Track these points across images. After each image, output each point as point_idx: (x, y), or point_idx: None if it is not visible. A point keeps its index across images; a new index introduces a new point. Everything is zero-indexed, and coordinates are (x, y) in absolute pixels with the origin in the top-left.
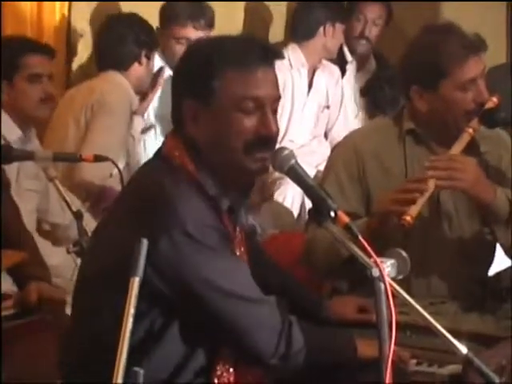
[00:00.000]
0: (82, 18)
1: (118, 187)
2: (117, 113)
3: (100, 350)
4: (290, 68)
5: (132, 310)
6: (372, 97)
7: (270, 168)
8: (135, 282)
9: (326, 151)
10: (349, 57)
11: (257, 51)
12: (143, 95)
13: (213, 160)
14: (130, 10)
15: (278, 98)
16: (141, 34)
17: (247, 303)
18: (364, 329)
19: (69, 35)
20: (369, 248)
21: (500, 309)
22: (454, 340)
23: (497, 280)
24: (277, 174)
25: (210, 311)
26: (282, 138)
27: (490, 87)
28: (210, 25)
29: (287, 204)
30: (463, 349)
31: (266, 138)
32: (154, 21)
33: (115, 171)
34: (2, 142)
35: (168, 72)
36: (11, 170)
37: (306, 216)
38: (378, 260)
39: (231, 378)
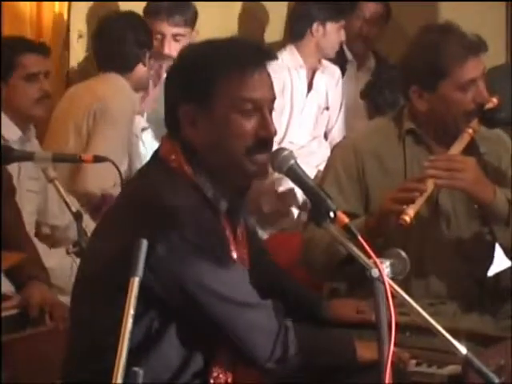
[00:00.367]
0: (81, 18)
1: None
2: (119, 121)
3: (99, 350)
4: (289, 69)
5: (132, 311)
6: (372, 100)
7: (270, 169)
8: (135, 282)
9: (325, 152)
10: (349, 56)
11: (251, 53)
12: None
13: (211, 163)
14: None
15: (274, 98)
16: (141, 35)
17: (243, 307)
18: (363, 330)
19: (68, 35)
20: (368, 248)
21: (499, 309)
22: (453, 340)
23: (496, 280)
24: (276, 175)
25: (205, 315)
26: (282, 139)
27: (489, 88)
28: (189, 23)
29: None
30: (463, 349)
31: (265, 140)
32: None
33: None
34: (2, 142)
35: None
36: (12, 170)
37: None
38: (378, 260)
39: (228, 380)
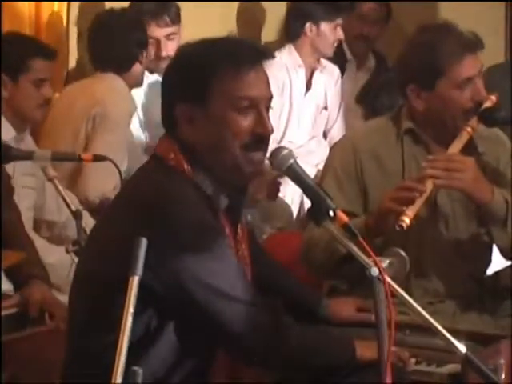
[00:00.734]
0: (81, 18)
1: None
2: (119, 126)
3: (98, 350)
4: (287, 69)
5: (131, 309)
6: (369, 105)
7: (270, 167)
8: (134, 281)
9: (325, 151)
10: (348, 55)
11: (247, 51)
12: None
13: (209, 161)
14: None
15: (271, 97)
16: (139, 33)
17: (241, 306)
18: (363, 328)
19: (67, 35)
20: (368, 247)
21: (499, 308)
22: (453, 339)
23: (495, 279)
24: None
25: (203, 312)
26: (281, 138)
27: (489, 86)
28: (176, 20)
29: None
30: (462, 348)
31: (262, 137)
32: None
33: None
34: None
35: None
36: (7, 167)
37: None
38: (377, 259)
39: (227, 379)
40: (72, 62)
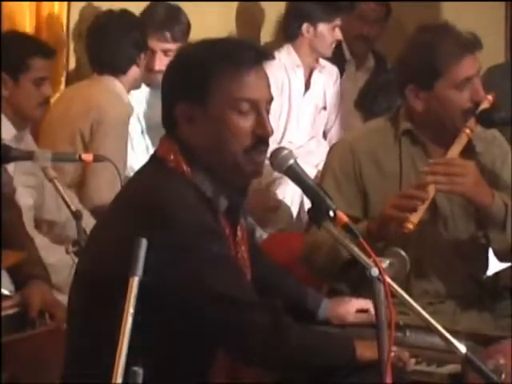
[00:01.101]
0: (81, 18)
1: None
2: (116, 130)
3: (98, 350)
4: (286, 69)
5: (131, 310)
6: (367, 109)
7: (270, 168)
8: (135, 282)
9: (324, 151)
10: (347, 55)
11: (248, 52)
12: None
13: (209, 161)
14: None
15: (271, 98)
16: (138, 36)
17: (241, 308)
18: (363, 328)
19: (67, 36)
20: (368, 248)
21: (498, 308)
22: (453, 339)
23: (495, 279)
24: (276, 174)
25: (202, 313)
26: (281, 139)
27: (489, 86)
28: (178, 38)
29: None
30: (462, 348)
31: (262, 139)
32: None
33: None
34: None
35: None
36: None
37: (306, 215)
38: (377, 259)
39: (228, 379)
40: (72, 63)
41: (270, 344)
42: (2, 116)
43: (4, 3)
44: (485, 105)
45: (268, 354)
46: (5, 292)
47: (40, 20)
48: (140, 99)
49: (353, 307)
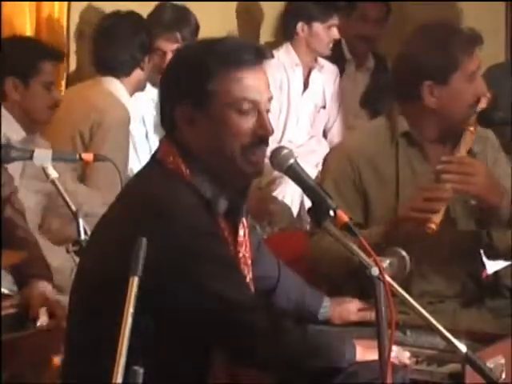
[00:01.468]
0: (81, 19)
1: None
2: (115, 131)
3: (98, 349)
4: (285, 67)
5: (131, 309)
6: (372, 108)
7: (270, 167)
8: (135, 281)
9: (325, 150)
10: (347, 55)
11: (247, 52)
12: None
13: (209, 162)
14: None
15: (271, 97)
16: (143, 38)
17: (241, 309)
18: (363, 328)
19: (68, 35)
20: (368, 247)
21: (498, 307)
22: (453, 339)
23: (495, 278)
24: (276, 173)
25: (202, 316)
26: (281, 138)
27: (488, 86)
28: (187, 39)
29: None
30: (463, 348)
31: (263, 139)
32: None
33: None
34: (5, 141)
35: None
36: (15, 169)
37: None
38: (378, 259)
39: (228, 380)
40: (72, 65)
41: (271, 345)
42: (11, 118)
43: (4, 4)
44: (483, 102)
45: (268, 355)
46: (5, 292)
47: (40, 21)
48: (145, 101)
49: (354, 307)
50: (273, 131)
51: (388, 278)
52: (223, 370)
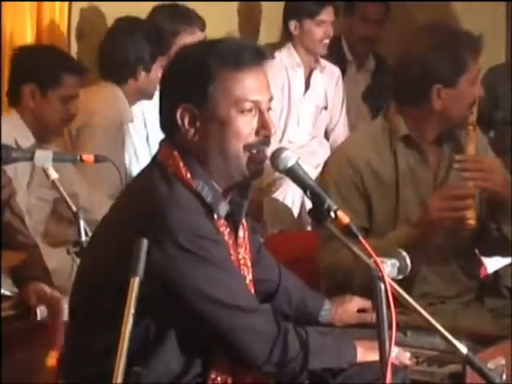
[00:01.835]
0: (82, 19)
1: None
2: (104, 136)
3: (99, 350)
4: (286, 68)
5: (132, 310)
6: (374, 104)
7: (271, 168)
8: (135, 282)
9: (326, 151)
10: (349, 56)
11: (248, 52)
12: None
13: (210, 164)
14: (128, 11)
15: (271, 98)
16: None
17: (241, 312)
18: (363, 328)
19: (69, 36)
20: (369, 248)
21: (499, 307)
22: (453, 340)
23: (496, 278)
24: (277, 174)
25: (202, 320)
26: (281, 138)
27: (489, 86)
28: (203, 28)
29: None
30: (463, 348)
31: (265, 139)
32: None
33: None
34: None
35: None
36: (23, 177)
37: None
38: (378, 260)
39: (227, 382)
40: None
41: (271, 347)
42: (23, 123)
43: (4, 3)
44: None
45: (269, 357)
46: (5, 293)
47: (41, 23)
48: (148, 105)
49: (354, 306)
50: (275, 131)
51: (389, 279)
52: (222, 372)
